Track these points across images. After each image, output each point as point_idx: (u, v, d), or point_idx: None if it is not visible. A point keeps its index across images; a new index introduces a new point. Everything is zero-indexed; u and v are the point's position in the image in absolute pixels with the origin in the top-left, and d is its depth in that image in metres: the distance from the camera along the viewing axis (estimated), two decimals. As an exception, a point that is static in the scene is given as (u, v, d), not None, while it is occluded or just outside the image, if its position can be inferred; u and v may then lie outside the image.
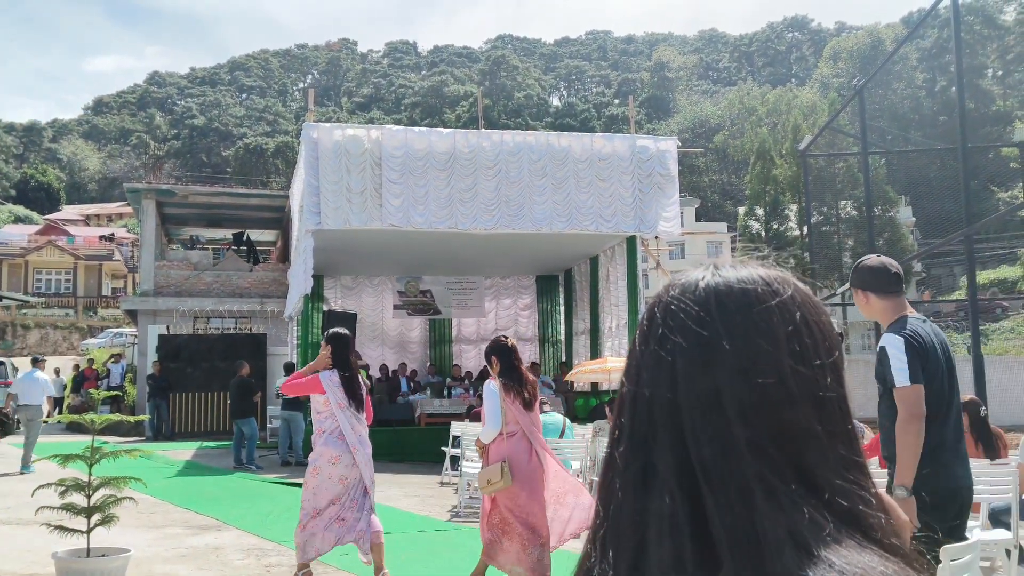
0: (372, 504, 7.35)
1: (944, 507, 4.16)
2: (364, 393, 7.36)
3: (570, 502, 6.75)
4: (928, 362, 4.22)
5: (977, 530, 6.64)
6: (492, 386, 6.64)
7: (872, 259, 4.59)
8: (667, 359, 0.97)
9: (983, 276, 47.72)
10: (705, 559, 0.87)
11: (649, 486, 0.93)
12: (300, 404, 17.87)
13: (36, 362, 16.89)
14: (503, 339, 6.90)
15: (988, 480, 7.13)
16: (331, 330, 7.60)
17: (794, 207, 53.05)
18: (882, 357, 4.31)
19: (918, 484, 4.08)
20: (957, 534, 4.20)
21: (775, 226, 54.44)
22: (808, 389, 0.94)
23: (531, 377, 6.81)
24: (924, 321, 4.43)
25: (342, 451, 7.11)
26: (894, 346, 4.24)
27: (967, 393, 8.97)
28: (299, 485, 13.93)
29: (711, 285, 1.02)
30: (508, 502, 6.51)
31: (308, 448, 17.31)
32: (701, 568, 0.87)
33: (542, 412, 11.40)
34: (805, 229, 46.34)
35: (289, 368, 18.69)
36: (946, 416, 4.27)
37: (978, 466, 7.33)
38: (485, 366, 24.14)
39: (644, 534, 0.92)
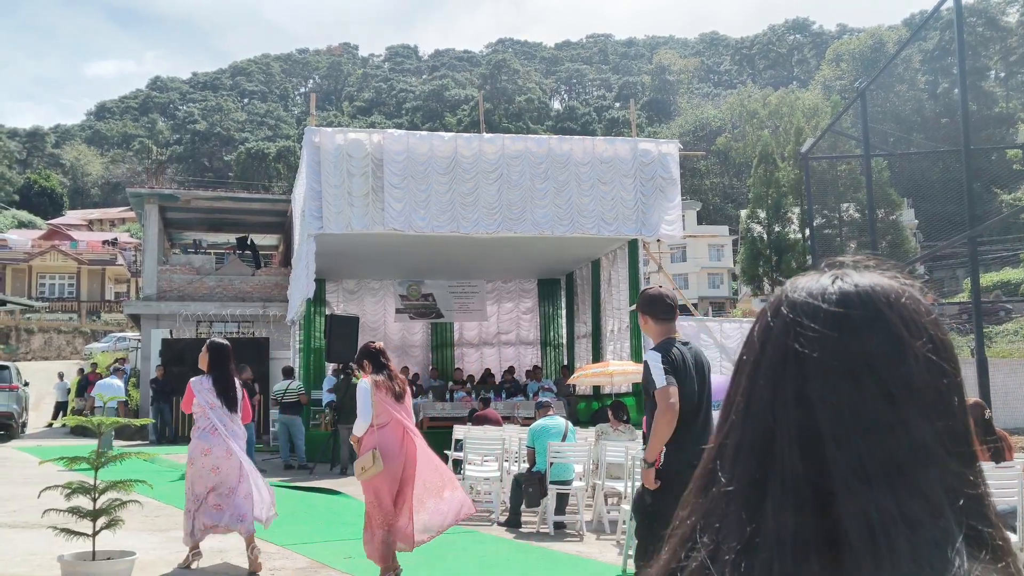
0: (251, 493, 8.02)
1: (681, 477, 4.85)
2: (239, 396, 8.38)
3: (448, 496, 7.52)
4: (679, 374, 5.41)
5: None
6: (364, 384, 7.40)
7: (653, 289, 5.84)
8: (795, 369, 0.92)
9: (986, 278, 47.65)
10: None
11: (769, 502, 0.90)
12: (299, 408, 17.90)
13: (116, 371, 20.32)
14: (371, 344, 7.79)
15: (993, 483, 7.12)
16: (211, 340, 8.74)
17: (796, 210, 53.02)
18: (646, 369, 5.54)
19: (665, 458, 5.37)
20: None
21: (777, 229, 54.42)
22: (944, 406, 0.92)
23: (400, 375, 7.74)
24: (685, 344, 5.64)
25: (213, 444, 7.97)
26: (654, 359, 5.45)
27: (971, 396, 8.97)
28: (302, 488, 13.97)
29: (847, 290, 0.96)
30: (377, 484, 7.20)
31: (311, 451, 17.36)
32: None
33: (546, 416, 11.44)
34: (807, 232, 46.33)
35: (288, 372, 18.71)
36: (696, 414, 5.51)
37: (984, 469, 7.34)
38: (487, 369, 24.22)
39: (756, 551, 0.88)
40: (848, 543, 0.85)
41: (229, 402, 8.21)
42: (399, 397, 7.46)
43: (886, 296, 0.95)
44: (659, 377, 5.39)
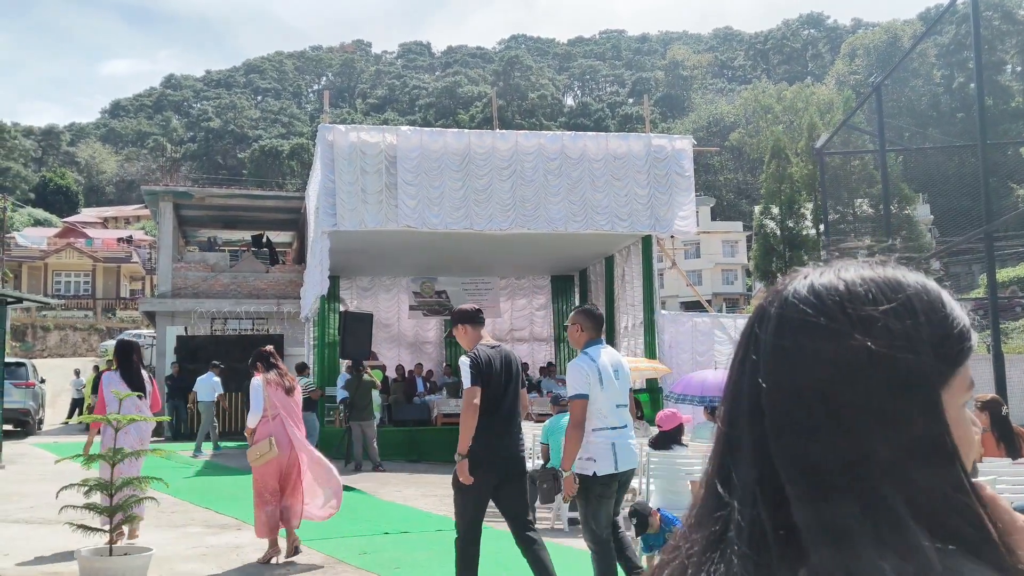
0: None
1: (486, 465, 6.41)
2: (147, 386, 9.40)
3: (323, 483, 8.63)
4: (483, 374, 6.29)
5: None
6: (256, 382, 8.50)
7: (467, 305, 6.88)
8: (797, 360, 0.92)
9: (1003, 274, 47.37)
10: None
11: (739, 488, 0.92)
12: (313, 405, 17.96)
13: (213, 367, 20.85)
14: (263, 348, 8.84)
15: (1010, 479, 7.08)
16: (119, 338, 10.14)
17: (810, 205, 52.82)
18: (459, 371, 6.69)
19: (473, 449, 6.38)
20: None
21: (791, 225, 54.23)
22: (905, 415, 0.90)
23: (289, 373, 8.87)
24: (493, 348, 6.53)
25: (125, 430, 8.61)
26: (464, 364, 6.36)
27: (988, 392, 8.93)
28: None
29: (856, 281, 0.96)
30: (266, 469, 8.31)
31: (326, 448, 17.40)
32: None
33: (563, 412, 11.43)
34: (821, 228, 46.17)
35: (301, 368, 18.76)
36: (497, 409, 6.35)
37: (999, 465, 7.30)
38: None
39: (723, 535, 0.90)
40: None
41: (137, 391, 9.09)
42: (288, 392, 8.58)
43: (840, 296, 0.94)
44: (466, 379, 6.33)
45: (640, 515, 7.31)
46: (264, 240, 31.47)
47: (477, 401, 6.25)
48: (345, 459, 16.65)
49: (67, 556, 8.08)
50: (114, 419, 7.51)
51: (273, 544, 8.34)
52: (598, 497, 6.13)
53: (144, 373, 9.56)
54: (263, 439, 8.25)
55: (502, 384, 6.37)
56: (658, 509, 7.41)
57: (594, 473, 6.07)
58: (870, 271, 0.98)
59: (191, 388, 24.71)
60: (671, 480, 8.91)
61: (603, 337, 6.55)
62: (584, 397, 6.08)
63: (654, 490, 9.01)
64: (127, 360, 9.47)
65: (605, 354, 6.35)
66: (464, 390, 6.38)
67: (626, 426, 6.30)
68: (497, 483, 6.50)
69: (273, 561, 8.29)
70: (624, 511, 7.40)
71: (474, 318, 6.67)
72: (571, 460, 6.12)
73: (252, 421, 8.42)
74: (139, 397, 8.99)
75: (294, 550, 8.40)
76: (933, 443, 0.89)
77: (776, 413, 0.91)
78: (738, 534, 0.90)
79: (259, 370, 8.59)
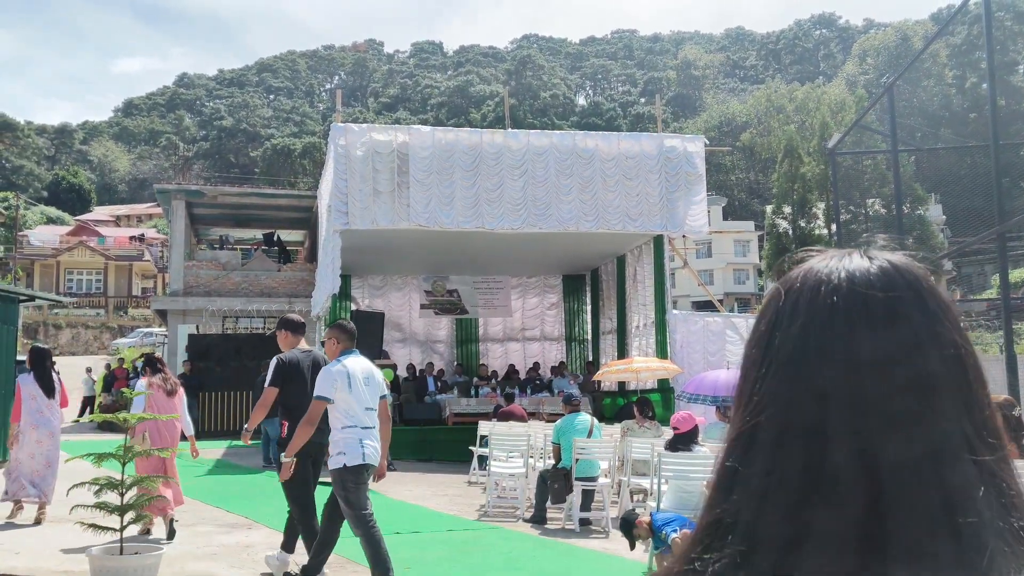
0: (54, 472, 10.42)
1: (299, 453, 7.06)
2: (57, 387, 10.70)
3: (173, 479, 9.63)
4: (287, 375, 7.53)
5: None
6: (140, 384, 9.97)
7: (292, 314, 7.97)
8: (839, 346, 0.89)
9: (1015, 274, 47.16)
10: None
11: (821, 490, 0.86)
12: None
13: None
14: (153, 355, 10.50)
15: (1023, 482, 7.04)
16: (32, 344, 11.05)
17: (822, 205, 52.71)
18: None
19: (283, 440, 7.31)
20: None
21: (803, 224, 54.11)
22: (974, 396, 0.89)
23: (173, 377, 10.26)
24: (306, 352, 7.82)
25: (38, 424, 10.48)
26: (271, 365, 7.56)
27: (1000, 393, 8.88)
28: (327, 484, 13.99)
29: (887, 268, 0.93)
30: (145, 460, 9.17)
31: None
32: None
33: (575, 412, 11.41)
34: (833, 227, 46.04)
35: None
36: (301, 404, 7.18)
37: (1013, 466, 7.25)
38: (512, 365, 24.21)
39: (802, 541, 0.85)
40: (890, 541, 0.83)
41: (48, 392, 10.59)
42: (170, 394, 9.94)
43: (922, 277, 0.93)
44: (268, 379, 7.47)
45: (627, 523, 7.29)
46: (275, 239, 31.53)
47: (270, 400, 7.46)
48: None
49: (78, 555, 8.11)
50: (123, 417, 7.51)
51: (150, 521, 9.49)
52: (354, 485, 6.78)
53: (55, 376, 10.88)
54: (140, 434, 9.41)
55: (306, 385, 7.38)
56: (652, 514, 7.37)
57: (344, 465, 6.78)
58: (901, 256, 0.96)
59: (204, 386, 24.81)
60: (686, 482, 8.89)
61: (355, 348, 7.31)
62: (325, 399, 6.86)
63: (667, 491, 8.99)
64: (41, 365, 10.76)
65: (357, 363, 7.09)
66: (265, 388, 7.55)
67: (374, 427, 7.00)
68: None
69: (151, 536, 9.37)
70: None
71: (296, 327, 7.80)
72: (294, 449, 6.97)
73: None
74: (49, 398, 10.61)
75: (171, 533, 9.37)
76: (995, 427, 0.89)
77: (863, 405, 0.87)
78: (741, 535, 0.88)
79: (147, 374, 10.14)
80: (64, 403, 11.07)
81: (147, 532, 9.40)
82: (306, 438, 6.94)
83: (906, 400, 0.86)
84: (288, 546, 7.87)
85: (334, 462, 6.81)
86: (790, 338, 0.92)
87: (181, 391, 10.20)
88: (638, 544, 7.14)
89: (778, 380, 0.91)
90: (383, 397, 7.23)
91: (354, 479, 6.79)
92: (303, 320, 7.83)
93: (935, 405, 0.87)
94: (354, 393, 6.88)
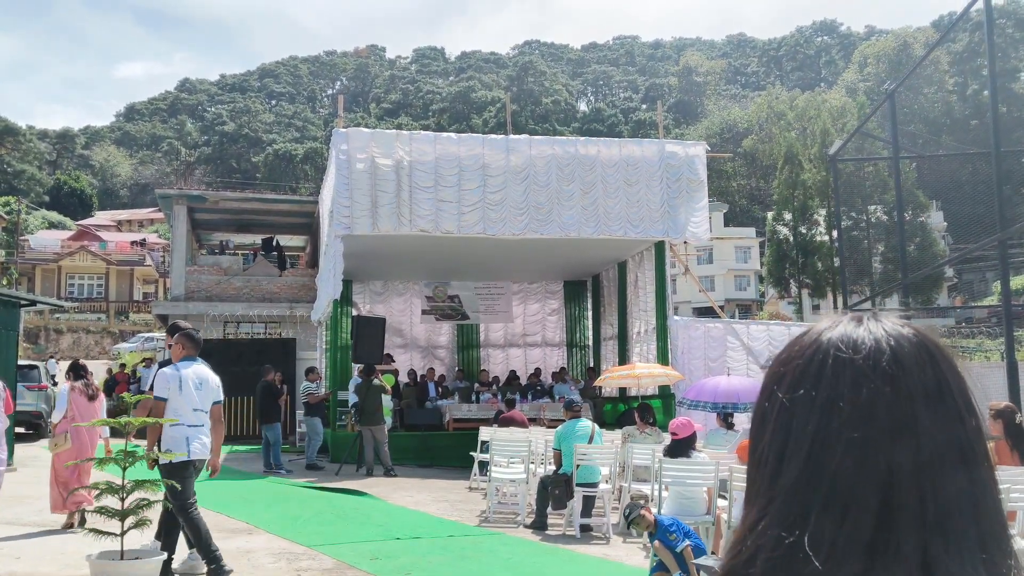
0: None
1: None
2: (1, 392, 10.62)
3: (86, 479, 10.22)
4: (173, 386, 7.72)
5: (1017, 539, 6.56)
6: (63, 388, 10.82)
7: (191, 328, 8.23)
8: (857, 417, 0.92)
9: (1016, 281, 47.15)
10: None
11: (880, 554, 0.88)
12: (320, 409, 18.00)
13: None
14: (77, 361, 11.08)
15: None
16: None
17: (823, 212, 52.71)
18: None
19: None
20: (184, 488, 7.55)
21: (804, 231, 54.12)
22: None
23: (95, 383, 11.27)
24: (197, 362, 8.03)
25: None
26: (161, 375, 7.86)
27: (1001, 400, 8.87)
28: (328, 489, 13.99)
29: (896, 337, 0.96)
30: (64, 458, 10.16)
31: (337, 452, 17.41)
32: None
33: (576, 418, 11.41)
34: (834, 234, 46.03)
35: (309, 372, 18.83)
36: (194, 411, 7.79)
37: (1014, 473, 7.25)
38: (513, 370, 24.20)
39: None
40: None
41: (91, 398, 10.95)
42: (91, 399, 10.77)
43: (933, 344, 0.96)
44: (159, 389, 7.83)
45: (635, 507, 7.33)
46: (274, 244, 31.54)
47: (157, 407, 7.78)
48: (357, 463, 16.66)
49: (78, 559, 8.10)
50: (124, 421, 7.50)
51: (70, 515, 10.29)
52: (180, 478, 7.47)
53: None
54: (61, 434, 10.35)
55: (194, 395, 7.82)
56: (656, 516, 7.37)
57: (170, 460, 7.50)
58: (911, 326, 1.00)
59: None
60: (685, 487, 8.88)
61: (198, 356, 8.04)
62: (162, 399, 7.67)
63: (667, 497, 8.98)
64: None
65: (193, 369, 7.86)
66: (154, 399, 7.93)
67: (202, 425, 7.81)
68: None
69: (74, 529, 9.83)
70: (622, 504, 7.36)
71: (191, 338, 8.10)
72: (150, 447, 7.67)
73: (55, 417, 10.76)
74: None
75: (82, 520, 9.70)
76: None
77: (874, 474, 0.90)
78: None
79: (70, 379, 10.89)
80: (8, 409, 11.01)
81: (71, 526, 10.11)
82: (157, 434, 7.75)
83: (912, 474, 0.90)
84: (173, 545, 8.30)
85: (163, 457, 7.48)
86: (811, 416, 0.95)
87: (102, 396, 11.17)
88: (639, 550, 7.14)
89: (798, 461, 0.94)
90: (216, 402, 8.00)
91: (180, 472, 7.50)
92: (197, 334, 8.37)
93: (941, 482, 0.89)
94: (184, 395, 7.70)
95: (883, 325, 0.98)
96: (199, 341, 8.15)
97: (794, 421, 0.95)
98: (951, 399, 0.92)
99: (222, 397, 8.13)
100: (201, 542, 7.53)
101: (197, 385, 7.83)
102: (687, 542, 6.95)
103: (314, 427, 17.90)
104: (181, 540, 7.90)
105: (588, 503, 10.78)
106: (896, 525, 0.88)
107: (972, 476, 0.90)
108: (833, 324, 1.00)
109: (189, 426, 7.68)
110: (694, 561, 6.85)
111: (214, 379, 8.09)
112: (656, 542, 7.10)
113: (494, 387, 22.50)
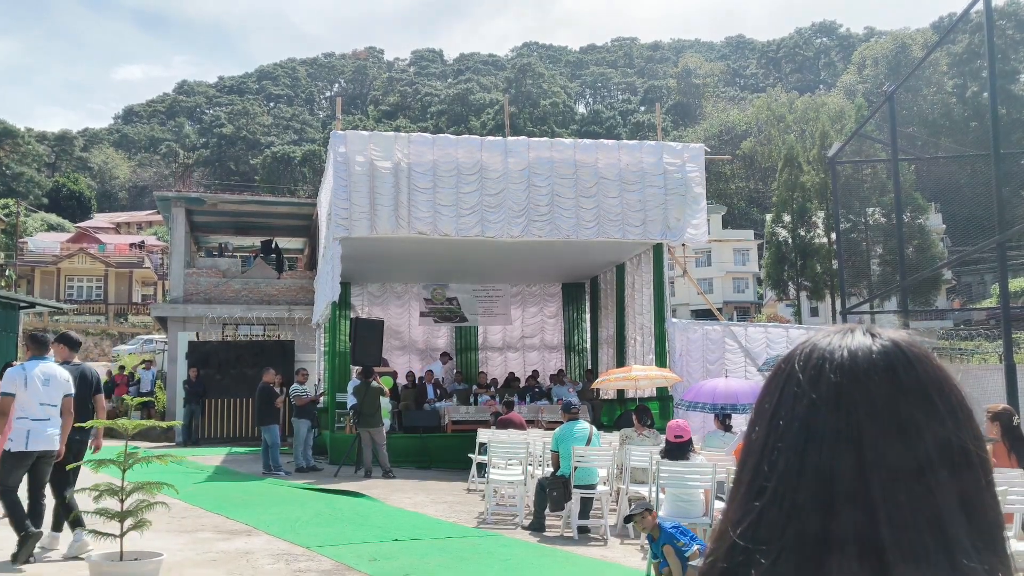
0: None
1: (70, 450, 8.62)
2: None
3: None
4: (19, 383, 8.35)
5: (1013, 540, 6.58)
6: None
7: (74, 334, 9.27)
8: (849, 424, 0.92)
9: (1015, 283, 47.18)
10: None
11: (828, 556, 0.89)
12: (307, 412, 17.92)
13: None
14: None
15: (1022, 490, 7.05)
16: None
17: (821, 214, 52.74)
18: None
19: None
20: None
21: (802, 233, 54.13)
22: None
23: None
24: (75, 366, 9.10)
25: None
26: (8, 373, 8.65)
27: (999, 403, 8.88)
28: (326, 491, 13.98)
29: (889, 347, 0.97)
30: None
31: (336, 454, 17.40)
32: None
33: (574, 420, 11.41)
34: (833, 236, 46.05)
35: (297, 373, 18.74)
36: (80, 411, 8.78)
37: (1011, 476, 7.26)
38: (511, 373, 24.19)
39: None
40: None
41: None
42: None
43: (923, 353, 0.97)
44: (3, 386, 8.41)
45: (641, 506, 7.37)
46: (273, 246, 31.52)
47: (7, 410, 8.26)
48: (355, 465, 16.66)
49: (79, 560, 8.11)
50: (123, 424, 7.52)
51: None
52: (11, 466, 8.21)
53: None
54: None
55: (39, 387, 8.43)
56: (659, 522, 7.39)
57: (8, 449, 8.18)
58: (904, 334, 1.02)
59: (207, 393, 24.87)
60: (682, 490, 8.89)
61: (49, 355, 8.77)
62: (9, 395, 8.27)
63: (664, 500, 8.99)
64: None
65: (39, 367, 8.50)
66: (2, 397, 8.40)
67: (49, 419, 8.43)
68: (35, 460, 8.49)
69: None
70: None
71: (36, 340, 8.77)
72: (2, 443, 8.15)
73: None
74: None
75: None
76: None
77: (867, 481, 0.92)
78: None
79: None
80: None
81: None
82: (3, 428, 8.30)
83: (907, 483, 0.90)
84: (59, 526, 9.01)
85: (6, 445, 8.16)
86: (796, 417, 0.96)
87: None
88: (636, 552, 7.16)
89: (785, 459, 0.94)
90: (67, 395, 8.64)
91: (13, 461, 8.24)
92: (78, 338, 9.34)
93: (934, 490, 0.90)
94: (29, 391, 8.33)
95: (862, 335, 0.99)
96: (44, 340, 8.86)
97: (755, 428, 1.00)
98: (927, 411, 0.93)
99: (72, 391, 8.75)
100: (17, 523, 8.21)
101: (44, 381, 8.48)
102: (695, 546, 7.01)
103: (298, 429, 17.77)
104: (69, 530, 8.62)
105: (586, 505, 10.79)
106: (854, 528, 0.89)
107: (960, 481, 0.91)
108: (819, 335, 1.02)
109: (33, 420, 8.32)
110: (691, 563, 6.88)
111: (63, 374, 8.71)
112: (667, 546, 7.13)
113: (492, 389, 22.51)
